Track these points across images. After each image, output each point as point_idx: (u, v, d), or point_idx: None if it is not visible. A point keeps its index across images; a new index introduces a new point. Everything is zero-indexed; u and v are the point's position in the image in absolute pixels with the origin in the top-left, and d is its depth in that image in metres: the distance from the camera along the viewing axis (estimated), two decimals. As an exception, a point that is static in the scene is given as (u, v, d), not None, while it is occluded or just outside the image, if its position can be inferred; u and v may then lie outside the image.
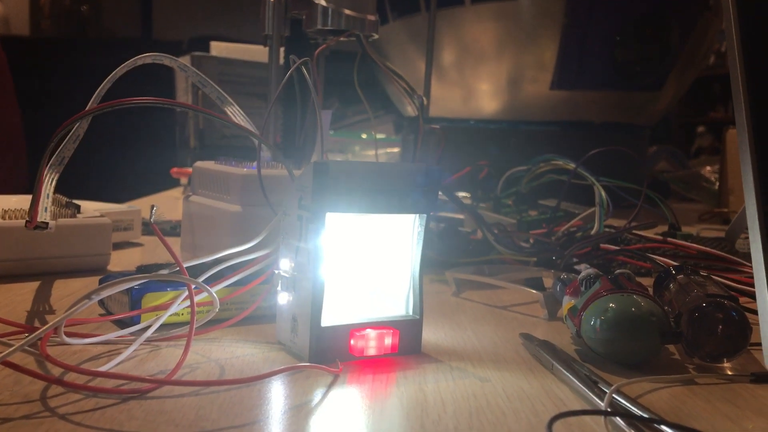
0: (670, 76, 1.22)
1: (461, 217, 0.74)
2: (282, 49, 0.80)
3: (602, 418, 0.29)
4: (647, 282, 0.45)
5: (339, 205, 0.36)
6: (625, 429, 0.28)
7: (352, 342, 0.37)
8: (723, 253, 0.58)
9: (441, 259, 0.61)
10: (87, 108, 0.46)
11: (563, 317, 0.43)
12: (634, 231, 0.65)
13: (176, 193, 1.19)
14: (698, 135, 3.77)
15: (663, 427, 0.28)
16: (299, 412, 0.30)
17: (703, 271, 0.46)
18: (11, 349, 0.29)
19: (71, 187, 0.60)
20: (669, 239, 0.62)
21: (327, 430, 0.29)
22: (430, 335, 0.42)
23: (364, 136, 1.61)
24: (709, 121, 3.80)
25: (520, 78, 1.18)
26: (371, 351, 0.37)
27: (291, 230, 0.37)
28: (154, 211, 0.36)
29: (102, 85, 0.50)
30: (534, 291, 0.50)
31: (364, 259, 0.39)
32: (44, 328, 0.30)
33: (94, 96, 0.50)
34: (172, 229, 0.75)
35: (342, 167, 0.36)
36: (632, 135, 1.26)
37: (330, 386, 0.33)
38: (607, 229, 0.67)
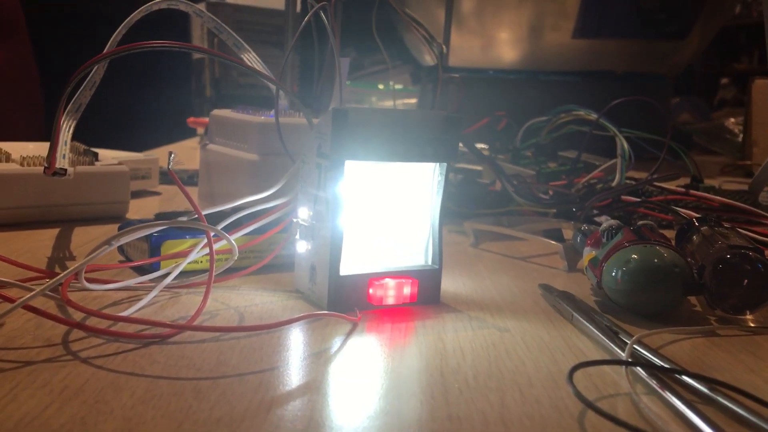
0: (695, 25, 1.19)
1: (480, 168, 0.73)
2: (299, -4, 0.78)
3: (623, 368, 0.29)
4: (669, 234, 0.45)
5: (358, 152, 0.35)
6: (646, 379, 0.28)
7: (370, 291, 0.36)
8: (746, 206, 0.58)
9: (459, 210, 0.61)
10: (104, 52, 0.45)
11: (583, 268, 0.42)
12: (655, 183, 0.64)
13: (193, 142, 1.19)
14: (722, 86, 3.69)
15: (684, 378, 0.28)
16: (318, 359, 0.30)
17: (726, 223, 0.45)
18: (33, 293, 0.29)
19: (88, 135, 0.59)
20: (691, 191, 0.61)
21: (346, 376, 0.29)
22: (449, 285, 0.42)
23: (381, 86, 1.59)
24: (734, 72, 3.72)
25: (542, 26, 1.15)
26: (390, 300, 0.37)
27: (309, 178, 0.37)
28: (172, 157, 0.36)
29: (118, 31, 0.50)
30: (553, 242, 0.50)
31: (384, 208, 0.39)
32: (65, 273, 0.31)
33: (110, 41, 0.49)
34: (190, 178, 0.75)
35: (361, 114, 0.35)
36: (655, 85, 1.24)
37: (349, 334, 0.33)
38: (628, 181, 0.66)
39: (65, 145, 0.48)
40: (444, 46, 0.72)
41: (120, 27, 0.50)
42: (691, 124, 1.49)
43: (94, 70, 0.49)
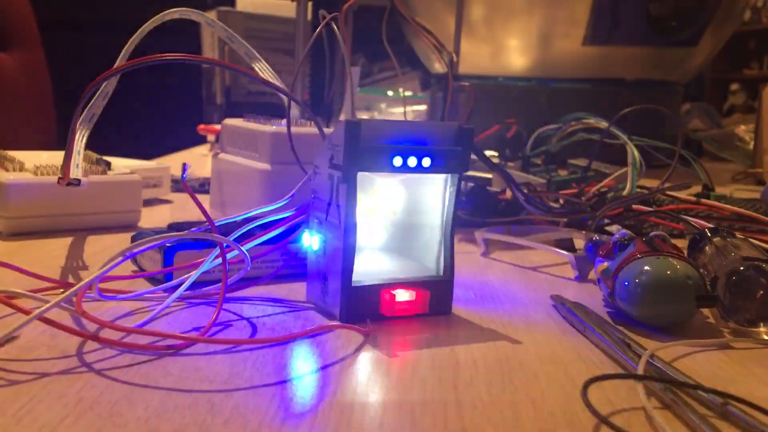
0: (706, 32, 1.18)
1: (490, 176, 0.73)
2: (309, 4, 0.79)
3: (637, 382, 0.29)
4: (680, 243, 0.44)
5: (370, 164, 0.35)
6: (661, 394, 0.28)
7: (382, 302, 0.36)
8: (758, 215, 0.57)
9: (470, 219, 0.61)
10: (116, 65, 0.45)
11: (595, 279, 0.42)
12: (667, 192, 0.64)
13: (203, 149, 1.20)
14: (732, 93, 3.68)
15: (699, 392, 0.28)
16: (331, 372, 0.30)
17: (737, 233, 0.45)
18: (48, 305, 0.29)
19: (98, 145, 0.60)
20: (702, 200, 0.61)
21: (359, 389, 0.29)
22: (460, 295, 0.42)
23: (390, 93, 1.59)
24: (743, 79, 3.71)
25: (552, 33, 1.15)
26: (402, 311, 0.37)
27: (322, 189, 0.37)
28: (186, 169, 0.36)
29: (129, 42, 0.50)
30: (564, 252, 0.49)
31: (396, 218, 0.39)
32: (79, 285, 0.31)
33: (122, 53, 0.50)
34: (201, 186, 0.75)
35: (374, 126, 0.35)
36: (666, 92, 1.23)
37: (361, 346, 0.33)
38: (639, 190, 0.66)
39: (78, 154, 0.49)
40: (454, 55, 0.73)
41: (132, 38, 0.50)
42: (701, 131, 1.48)
43: (107, 82, 0.49)
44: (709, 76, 3.34)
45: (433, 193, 0.39)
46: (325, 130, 0.48)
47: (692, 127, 1.56)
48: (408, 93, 1.58)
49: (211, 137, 1.18)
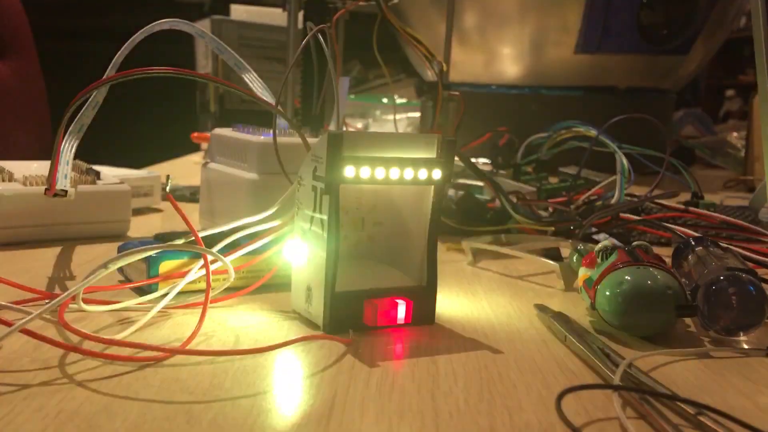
0: (697, 40, 1.19)
1: (480, 184, 0.73)
2: (301, 13, 0.79)
3: (613, 392, 0.29)
4: (667, 252, 0.45)
5: (353, 176, 0.36)
6: (636, 404, 0.28)
7: (365, 312, 0.37)
8: (745, 223, 0.58)
9: (458, 227, 0.61)
10: (104, 77, 0.46)
11: (579, 288, 0.43)
12: (655, 200, 0.64)
13: (197, 157, 1.20)
14: (727, 99, 3.69)
15: (675, 402, 0.28)
16: (311, 382, 0.30)
17: (724, 241, 0.45)
18: (29, 317, 0.29)
19: (91, 153, 0.60)
20: (690, 208, 0.62)
21: (338, 400, 0.29)
22: (445, 305, 0.42)
23: (384, 100, 1.60)
24: (739, 85, 3.72)
25: (544, 41, 1.16)
26: (385, 321, 0.37)
27: (306, 200, 0.37)
28: (170, 180, 0.37)
29: (120, 52, 0.50)
30: (551, 261, 0.50)
31: (379, 229, 0.39)
32: (61, 297, 0.31)
33: (111, 63, 0.50)
34: (192, 195, 0.75)
35: (356, 138, 0.36)
36: (658, 100, 1.24)
37: (342, 356, 0.33)
38: (628, 198, 0.66)
39: (67, 164, 0.49)
40: (444, 64, 0.73)
41: (122, 49, 0.50)
42: (694, 137, 1.49)
43: (96, 92, 0.50)
44: (705, 82, 3.35)
45: (416, 204, 0.39)
46: (311, 140, 0.48)
47: (686, 133, 1.56)
48: (403, 100, 1.59)
49: (204, 145, 1.19)
